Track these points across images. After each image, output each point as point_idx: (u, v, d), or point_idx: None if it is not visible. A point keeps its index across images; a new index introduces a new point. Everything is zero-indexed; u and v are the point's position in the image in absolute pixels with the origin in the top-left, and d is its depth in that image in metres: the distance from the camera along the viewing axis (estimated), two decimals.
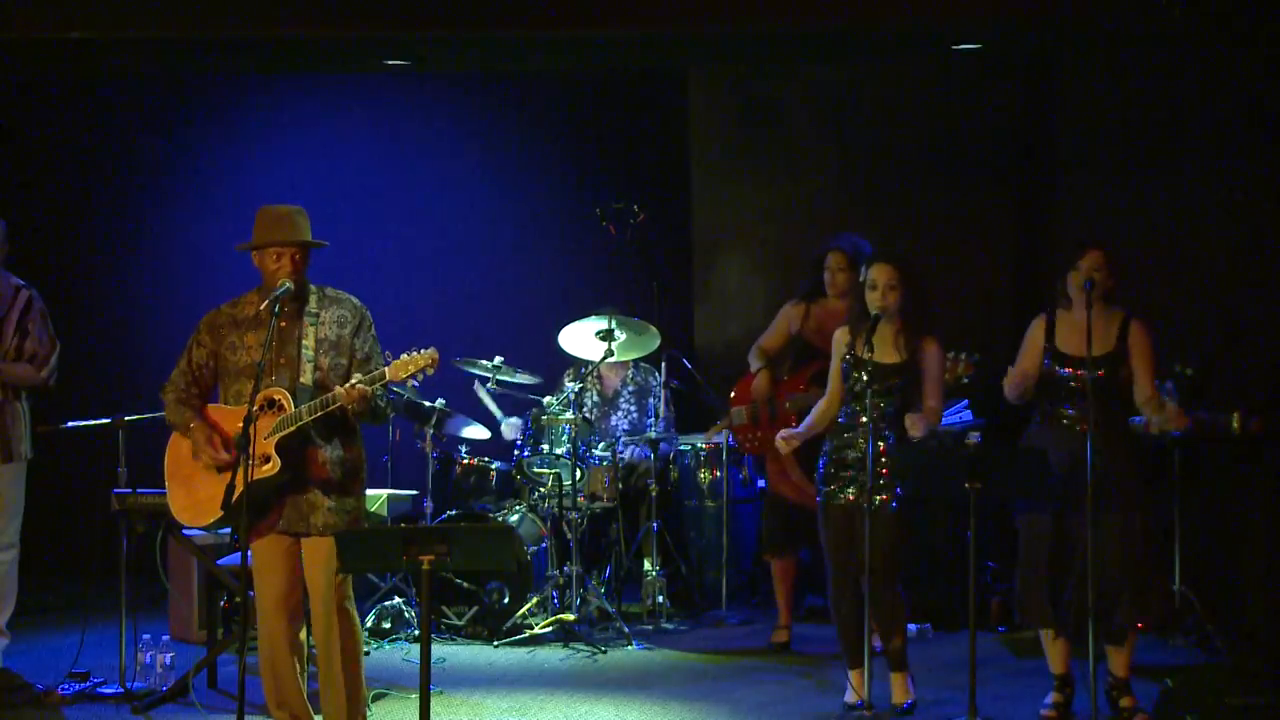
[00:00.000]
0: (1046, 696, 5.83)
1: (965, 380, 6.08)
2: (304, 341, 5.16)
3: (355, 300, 5.33)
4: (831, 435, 5.90)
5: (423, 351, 5.08)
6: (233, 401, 5.20)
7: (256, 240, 5.20)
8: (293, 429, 5.06)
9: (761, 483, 8.11)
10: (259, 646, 5.28)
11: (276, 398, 5.09)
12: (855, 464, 5.75)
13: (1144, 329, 5.67)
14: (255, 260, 5.24)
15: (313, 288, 5.28)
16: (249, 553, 5.20)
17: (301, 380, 5.13)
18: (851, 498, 5.76)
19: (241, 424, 4.93)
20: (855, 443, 5.78)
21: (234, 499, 4.96)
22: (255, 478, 4.95)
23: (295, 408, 5.06)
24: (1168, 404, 5.70)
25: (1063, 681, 5.81)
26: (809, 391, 6.86)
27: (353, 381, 5.04)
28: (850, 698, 5.88)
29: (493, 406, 8.03)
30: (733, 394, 7.33)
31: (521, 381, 7.77)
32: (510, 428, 7.93)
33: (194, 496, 5.23)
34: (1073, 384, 5.62)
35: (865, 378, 5.72)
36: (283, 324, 5.17)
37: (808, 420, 6.04)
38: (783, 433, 6.06)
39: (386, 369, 5.07)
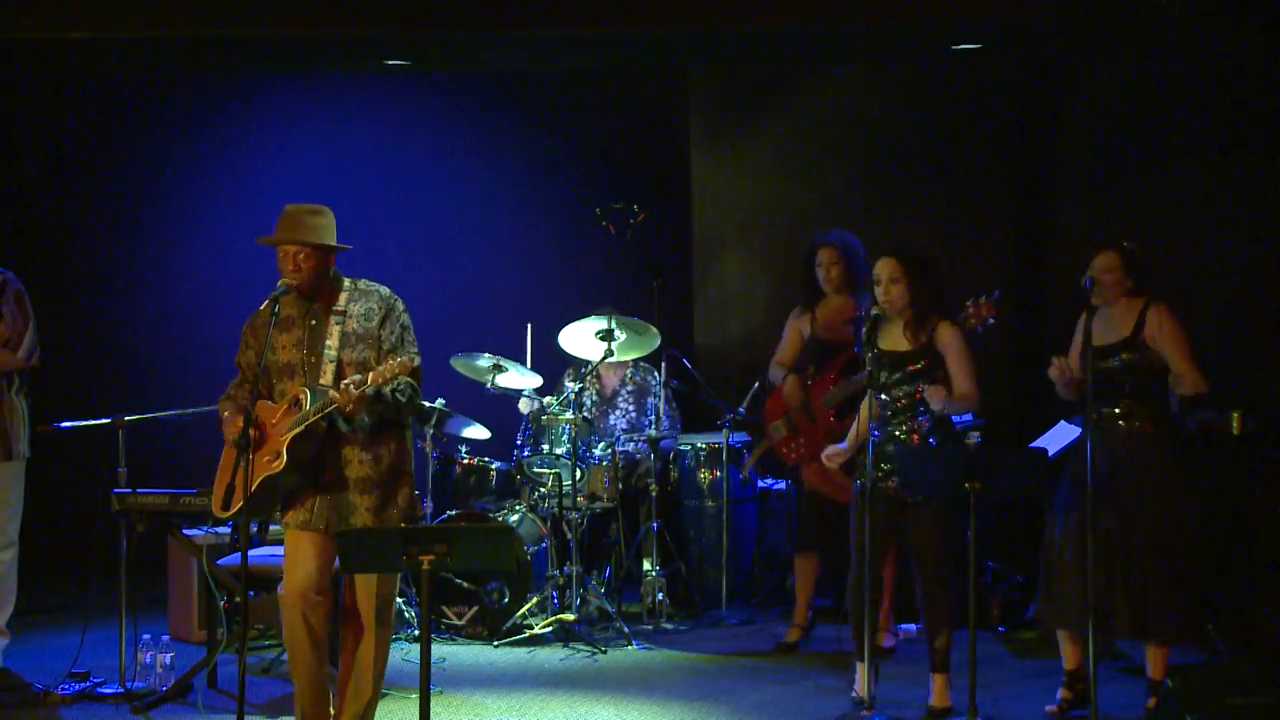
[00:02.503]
0: (1056, 692, 5.83)
1: (992, 321, 6.00)
2: (328, 341, 5.18)
3: (385, 290, 5.33)
4: (876, 429, 5.83)
5: (394, 361, 5.05)
6: (277, 399, 5.24)
7: (276, 235, 5.22)
8: (301, 428, 5.07)
9: (769, 483, 8.11)
10: (285, 638, 5.25)
11: (300, 397, 5.12)
12: (893, 456, 5.76)
13: (1164, 311, 5.65)
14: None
15: (345, 282, 5.30)
16: (276, 545, 5.20)
17: (320, 381, 5.14)
18: (894, 487, 5.76)
19: (271, 422, 4.99)
20: (893, 435, 5.79)
21: (233, 497, 5.02)
22: (263, 473, 5.01)
23: (308, 407, 5.08)
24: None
25: (1072, 678, 5.79)
26: (840, 384, 6.88)
27: (345, 382, 5.03)
28: (860, 691, 5.84)
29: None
30: (766, 412, 7.32)
31: (520, 386, 7.76)
32: (528, 402, 7.88)
33: (223, 489, 5.25)
34: (1101, 378, 5.59)
35: (890, 370, 5.74)
36: (313, 323, 5.21)
37: (848, 439, 6.00)
38: (827, 451, 6.01)
39: (370, 374, 5.05)
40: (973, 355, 5.85)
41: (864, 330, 5.90)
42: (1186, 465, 5.75)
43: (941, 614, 5.82)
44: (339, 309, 5.23)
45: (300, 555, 5.19)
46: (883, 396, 5.80)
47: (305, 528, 5.17)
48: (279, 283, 5.17)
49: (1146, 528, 5.58)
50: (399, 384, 5.09)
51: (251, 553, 5.26)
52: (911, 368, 5.77)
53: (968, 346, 5.82)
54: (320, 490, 5.16)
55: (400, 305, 5.32)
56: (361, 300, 5.27)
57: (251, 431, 5.08)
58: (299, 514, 5.17)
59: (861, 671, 5.83)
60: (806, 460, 7.08)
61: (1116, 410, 5.66)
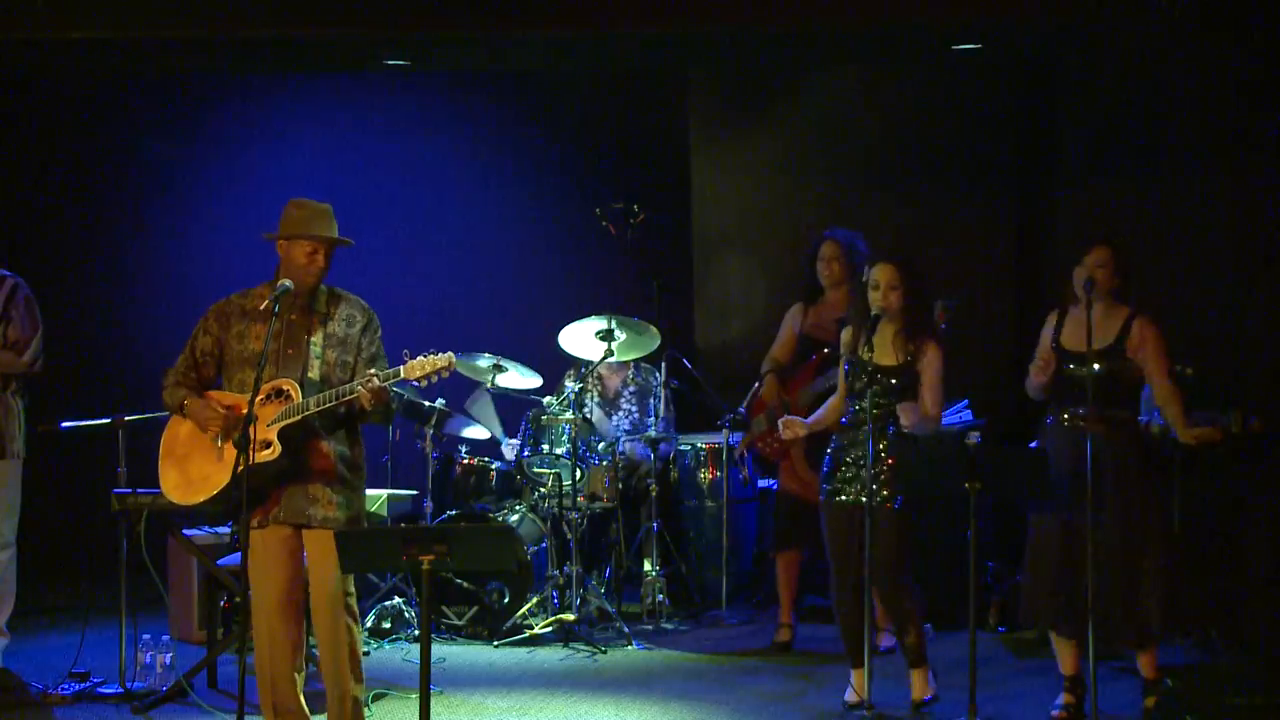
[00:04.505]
0: (1057, 698, 5.82)
1: (944, 327, 6.08)
2: (312, 338, 5.20)
3: (364, 302, 5.38)
4: (836, 434, 5.91)
5: (439, 355, 5.10)
6: (237, 389, 5.22)
7: (294, 230, 5.21)
8: (297, 419, 5.08)
9: (768, 482, 8.12)
10: (256, 647, 5.27)
11: (285, 388, 5.12)
12: (857, 462, 5.75)
13: (1149, 325, 5.63)
14: (281, 250, 5.26)
15: (323, 288, 5.31)
16: (249, 548, 5.22)
17: (309, 375, 5.17)
18: (853, 496, 5.77)
19: (242, 407, 4.96)
20: (858, 441, 5.78)
21: (237, 488, 4.97)
22: (254, 462, 4.97)
23: (302, 399, 5.08)
24: (1196, 426, 5.66)
25: (1073, 683, 5.78)
26: (813, 383, 6.93)
27: (370, 374, 5.04)
28: (850, 697, 5.89)
29: (495, 427, 8.02)
30: (749, 407, 7.34)
31: (520, 387, 7.77)
32: (510, 448, 7.94)
33: (186, 475, 5.24)
34: (1075, 381, 5.61)
35: (864, 378, 5.73)
36: (293, 318, 5.22)
37: (817, 414, 6.03)
38: (785, 418, 6.02)
39: (401, 368, 5.09)
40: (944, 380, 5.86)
41: (847, 331, 5.93)
42: (1147, 466, 5.75)
43: (906, 613, 5.84)
44: (320, 308, 5.26)
45: (273, 561, 5.19)
46: (856, 405, 5.80)
47: (276, 521, 5.17)
48: (280, 282, 5.17)
49: (1119, 531, 5.56)
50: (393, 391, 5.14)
51: None
52: (892, 381, 5.76)
53: (943, 370, 5.82)
54: (288, 482, 5.16)
55: (377, 319, 5.36)
56: (343, 305, 5.30)
57: (213, 401, 5.10)
58: (267, 508, 5.16)
59: (857, 677, 5.83)
60: (780, 455, 7.15)
61: (1081, 413, 5.61)
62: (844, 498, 5.80)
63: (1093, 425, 5.47)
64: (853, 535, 5.74)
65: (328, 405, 5.08)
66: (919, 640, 5.87)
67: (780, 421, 6.02)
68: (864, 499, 5.66)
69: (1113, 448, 5.55)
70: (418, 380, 5.11)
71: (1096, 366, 5.54)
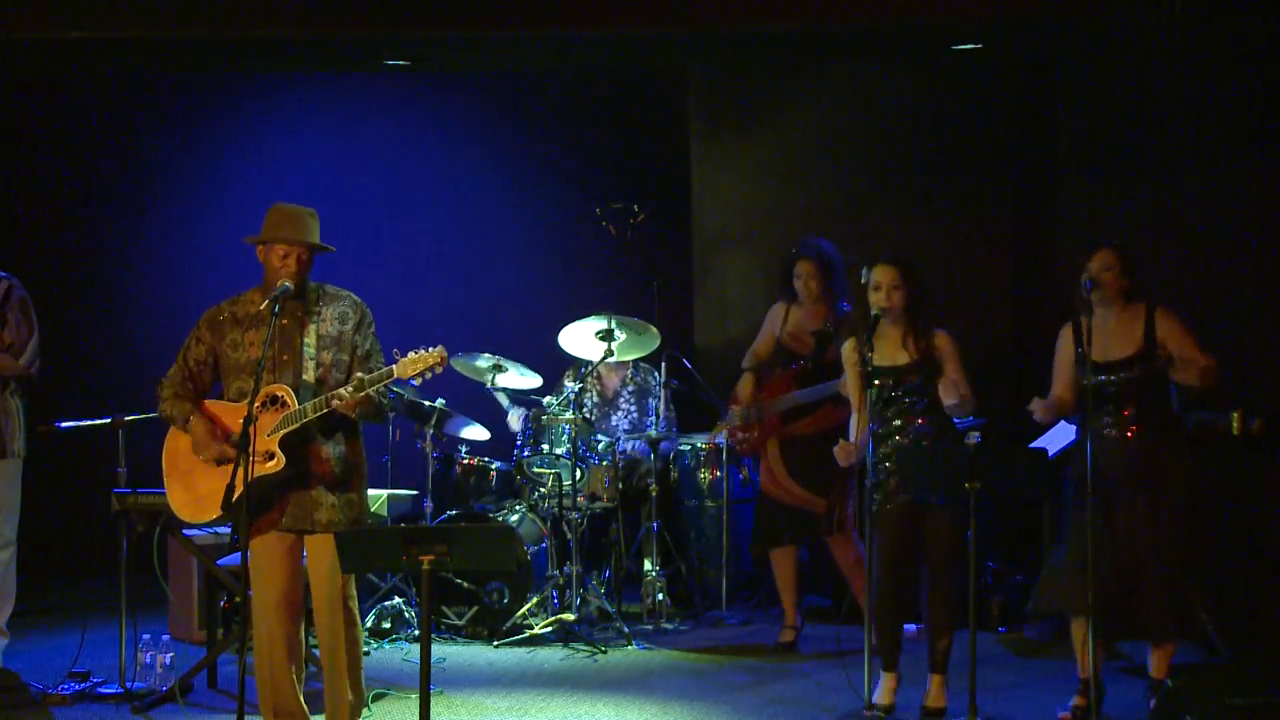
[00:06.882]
0: (1069, 699, 5.79)
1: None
2: (305, 340, 5.20)
3: (355, 297, 5.37)
4: (874, 444, 5.82)
5: (431, 350, 5.10)
6: (235, 398, 5.22)
7: (266, 235, 5.23)
8: (296, 426, 5.07)
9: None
10: (256, 648, 5.27)
11: (280, 394, 5.11)
12: (902, 468, 5.75)
13: (1168, 313, 5.63)
14: (260, 255, 5.28)
15: (312, 285, 5.31)
16: (249, 551, 5.22)
17: (304, 378, 5.16)
18: (906, 500, 5.76)
19: (242, 421, 4.94)
20: (897, 445, 5.79)
21: (235, 497, 4.96)
22: (258, 474, 4.96)
23: (299, 405, 5.08)
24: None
25: (1087, 686, 5.75)
26: (789, 393, 6.98)
27: (356, 380, 5.04)
28: (882, 699, 5.84)
29: (502, 397, 8.01)
30: (732, 396, 7.35)
31: (520, 386, 7.78)
32: (517, 417, 7.92)
33: (194, 492, 5.24)
34: (1109, 390, 5.60)
35: (890, 382, 5.73)
36: (284, 322, 5.20)
37: (853, 434, 5.92)
38: (841, 446, 5.88)
39: (394, 366, 5.09)
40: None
41: (849, 343, 5.92)
42: (1192, 467, 5.74)
43: (949, 616, 5.83)
44: (313, 309, 5.26)
45: (274, 562, 5.20)
46: (885, 412, 5.79)
47: (275, 527, 5.17)
48: (279, 283, 5.17)
49: (1163, 531, 5.56)
50: (383, 387, 5.11)
51: None
52: (912, 379, 5.77)
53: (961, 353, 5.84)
54: (288, 487, 5.16)
55: (370, 314, 5.36)
56: (333, 304, 5.29)
57: (230, 428, 5.09)
58: (269, 514, 5.17)
59: (890, 680, 5.83)
60: (750, 453, 7.24)
61: (1125, 416, 5.61)
62: (897, 503, 5.77)
63: (1142, 427, 5.51)
64: (907, 537, 5.76)
65: (324, 411, 5.08)
66: (950, 645, 5.86)
67: (836, 451, 5.89)
68: (922, 498, 5.68)
69: (1155, 448, 5.56)
70: (411, 378, 5.11)
71: (1129, 373, 5.55)
